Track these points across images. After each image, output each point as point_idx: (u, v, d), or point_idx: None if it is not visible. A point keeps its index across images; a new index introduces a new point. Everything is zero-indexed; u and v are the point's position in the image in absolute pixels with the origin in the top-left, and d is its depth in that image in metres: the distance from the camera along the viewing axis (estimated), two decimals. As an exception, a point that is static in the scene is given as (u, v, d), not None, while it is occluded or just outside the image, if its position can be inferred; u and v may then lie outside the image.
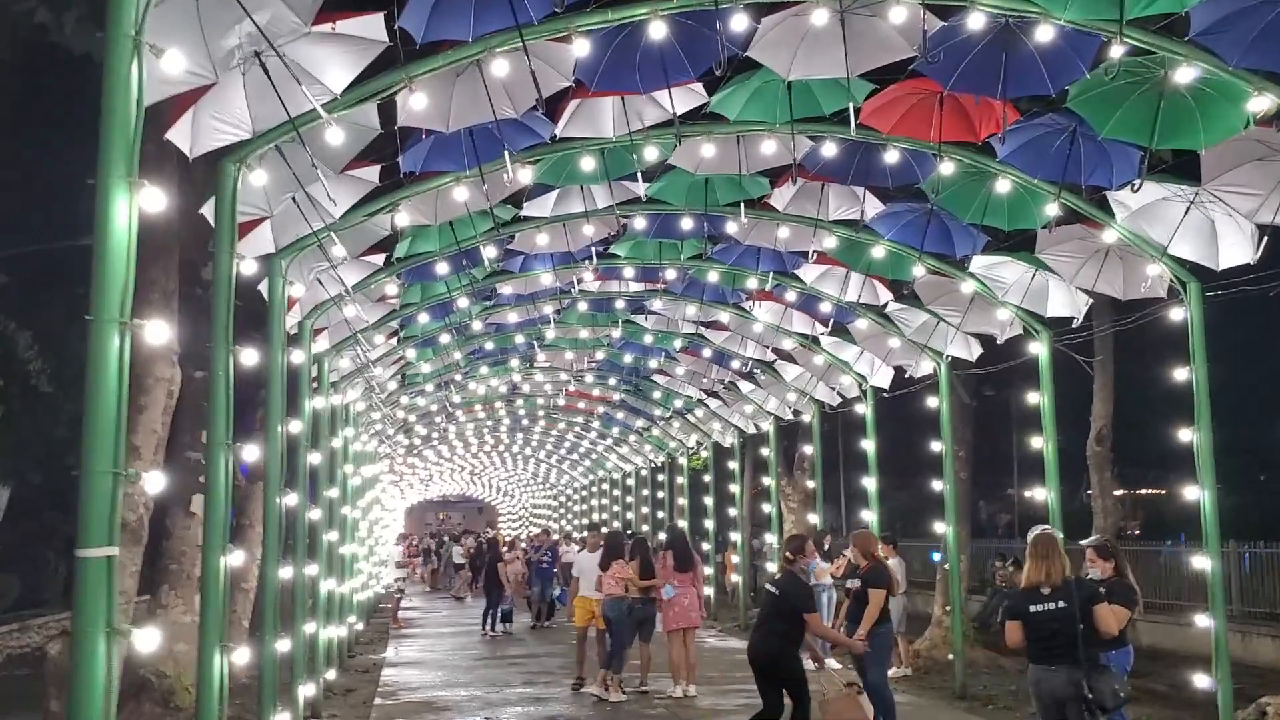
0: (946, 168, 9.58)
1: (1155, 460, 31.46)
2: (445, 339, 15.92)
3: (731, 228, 12.07)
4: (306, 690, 10.85)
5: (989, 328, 12.80)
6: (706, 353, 18.60)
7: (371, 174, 8.45)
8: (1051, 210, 9.82)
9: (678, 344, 18.71)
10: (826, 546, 16.15)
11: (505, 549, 25.17)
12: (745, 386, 19.93)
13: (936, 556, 20.43)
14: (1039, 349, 12.22)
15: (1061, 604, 7.09)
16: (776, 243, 12.37)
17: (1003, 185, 9.80)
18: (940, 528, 15.52)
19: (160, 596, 12.67)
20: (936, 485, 14.61)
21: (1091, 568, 8.95)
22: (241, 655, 6.72)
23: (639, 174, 9.56)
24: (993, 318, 12.59)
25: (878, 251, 12.01)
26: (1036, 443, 12.13)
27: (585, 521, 41.88)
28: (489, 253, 11.59)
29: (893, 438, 23.21)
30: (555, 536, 29.17)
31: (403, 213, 9.45)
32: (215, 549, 6.20)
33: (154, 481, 5.73)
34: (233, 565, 6.58)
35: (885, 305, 13.58)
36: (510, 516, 65.02)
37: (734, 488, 23.21)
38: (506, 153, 8.30)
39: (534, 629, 22.72)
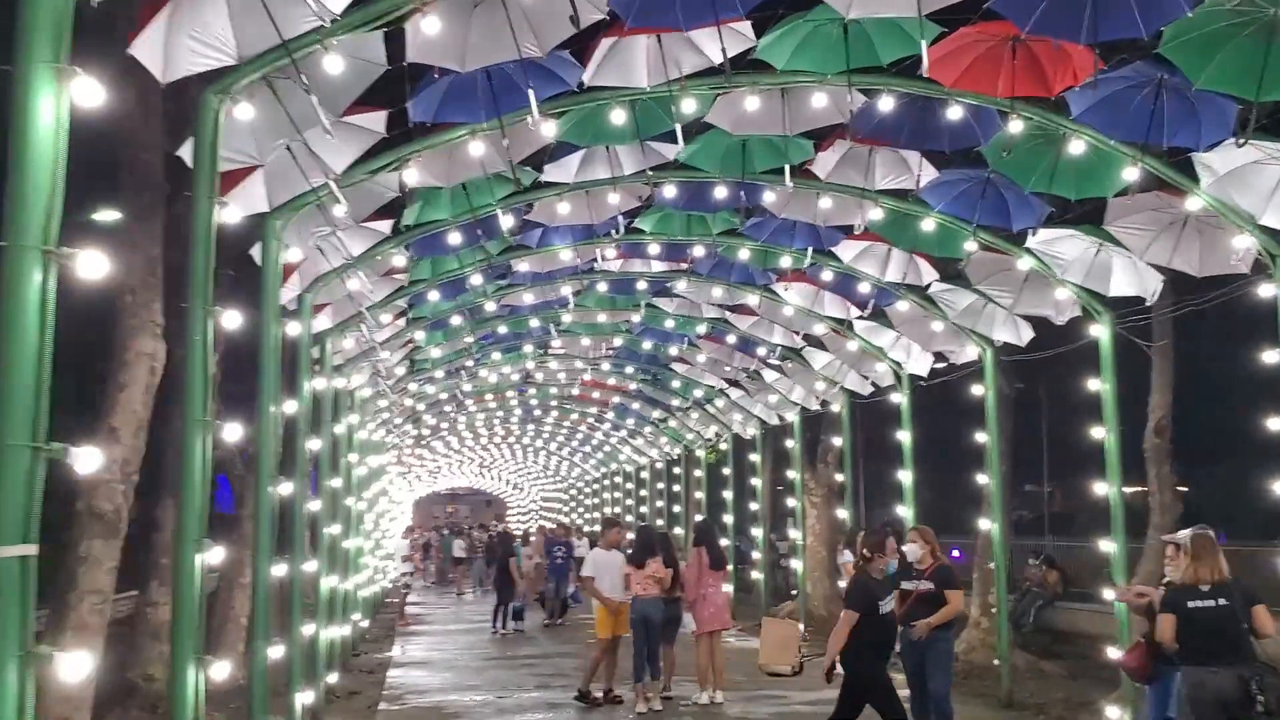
0: (1015, 126, 8.61)
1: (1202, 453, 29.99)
2: (457, 321, 15.00)
3: (769, 197, 11.14)
4: (305, 697, 9.97)
5: (1044, 309, 11.83)
6: (731, 339, 17.67)
7: (377, 122, 7.51)
8: (1130, 175, 8.88)
9: (701, 329, 17.78)
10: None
11: (522, 542, 24.27)
12: (770, 375, 18.99)
13: (956, 554, 19.53)
14: (1100, 332, 11.25)
15: (1223, 601, 6.83)
16: (815, 216, 11.42)
17: (1075, 147, 8.84)
18: (984, 523, 14.59)
19: (150, 593, 11.86)
20: (981, 479, 13.68)
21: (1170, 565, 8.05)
22: (221, 669, 5.80)
23: (677, 129, 8.56)
24: (1048, 298, 11.63)
25: (926, 225, 11.08)
26: (1097, 433, 11.15)
27: (596, 516, 41.09)
28: (506, 222, 10.66)
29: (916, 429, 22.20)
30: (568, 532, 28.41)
31: (412, 170, 8.52)
32: (189, 543, 5.30)
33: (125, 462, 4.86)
34: (218, 561, 5.75)
35: (929, 286, 12.62)
36: (519, 510, 64.16)
37: (755, 481, 22.26)
38: (530, 92, 7.33)
39: (547, 627, 21.84)
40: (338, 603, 14.51)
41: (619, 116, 8.58)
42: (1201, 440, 27.08)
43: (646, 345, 19.48)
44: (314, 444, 10.71)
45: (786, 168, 9.69)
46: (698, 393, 22.34)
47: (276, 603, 15.85)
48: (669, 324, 17.73)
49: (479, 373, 21.75)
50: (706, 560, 12.51)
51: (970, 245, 10.95)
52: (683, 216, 12.34)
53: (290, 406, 8.79)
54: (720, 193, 10.85)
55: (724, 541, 22.56)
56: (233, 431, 5.65)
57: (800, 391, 18.88)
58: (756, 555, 22.14)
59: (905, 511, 15.25)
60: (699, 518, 22.38)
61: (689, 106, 8.45)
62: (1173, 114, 8.20)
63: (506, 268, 13.43)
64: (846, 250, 12.55)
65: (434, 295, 13.00)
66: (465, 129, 8.15)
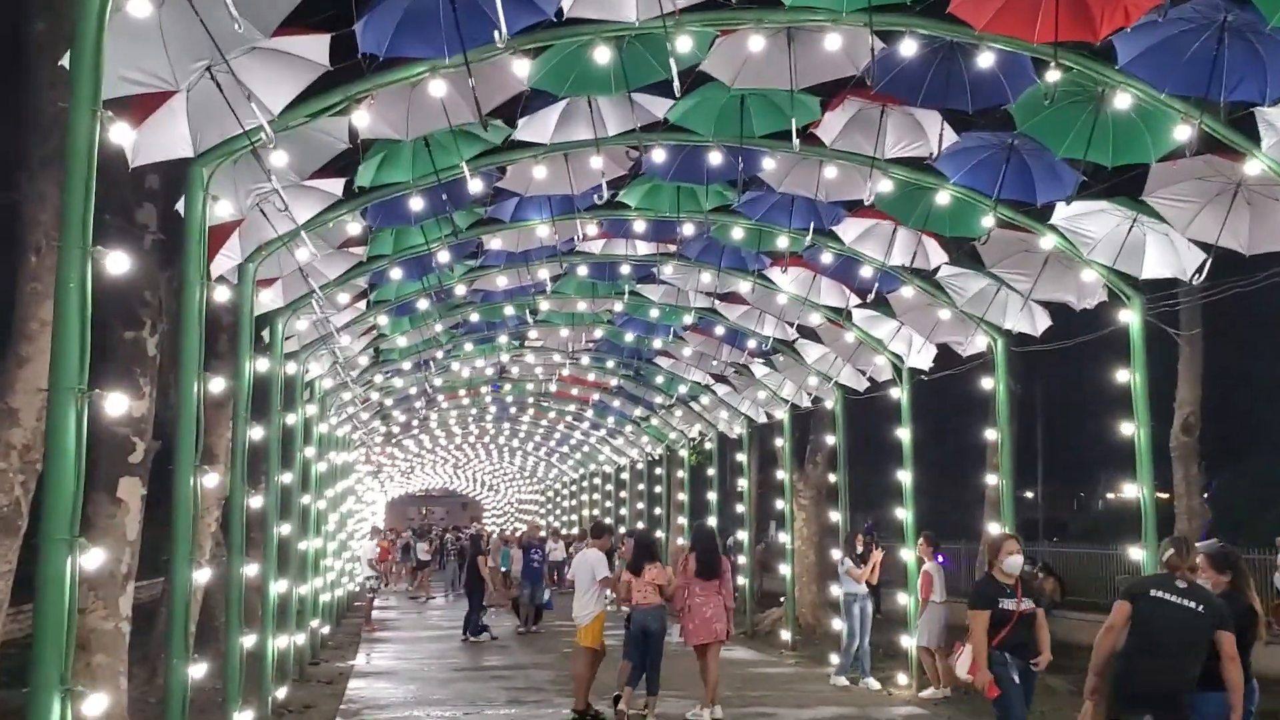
0: (1053, 77, 7.56)
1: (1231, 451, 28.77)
2: (423, 305, 13.85)
3: (768, 166, 10.07)
4: (244, 716, 8.82)
5: (1065, 294, 10.83)
6: (719, 330, 16.61)
7: (319, 50, 6.35)
8: (1181, 135, 7.87)
9: (687, 320, 16.70)
10: (859, 548, 14.16)
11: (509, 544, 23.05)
12: (760, 370, 17.94)
13: (941, 559, 18.55)
14: (1129, 318, 10.24)
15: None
16: (817, 189, 10.38)
17: (1120, 102, 7.82)
18: (993, 528, 13.56)
19: (80, 599, 10.66)
20: (990, 479, 12.65)
21: (1202, 579, 7.05)
22: (96, 702, 4.67)
23: (672, 66, 7.41)
24: (1071, 281, 10.64)
25: (941, 199, 10.06)
26: (1126, 430, 10.13)
27: (574, 519, 40.01)
28: (475, 187, 9.54)
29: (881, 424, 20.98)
30: (543, 533, 27.28)
31: (363, 114, 7.39)
32: (55, 543, 4.19)
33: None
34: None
35: (937, 269, 11.59)
36: (495, 512, 62.96)
37: (743, 482, 21.19)
38: (499, 2, 6.17)
39: (521, 634, 20.71)
40: (291, 609, 13.35)
41: (603, 56, 7.47)
42: (1230, 437, 25.90)
43: (629, 337, 18.40)
44: (256, 433, 9.55)
45: (794, 125, 8.60)
46: (682, 389, 21.26)
47: (221, 610, 14.71)
48: (654, 314, 16.65)
49: (450, 366, 20.61)
50: (693, 567, 11.44)
51: (989, 221, 9.92)
52: (671, 190, 11.25)
53: (217, 385, 7.61)
54: (715, 159, 9.76)
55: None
56: (117, 404, 4.50)
57: (791, 387, 17.84)
58: (742, 560, 21.08)
59: (905, 515, 14.22)
60: (681, 519, 21.39)
61: (684, 46, 7.35)
62: (1235, 62, 7.20)
63: (477, 245, 12.31)
64: (849, 229, 11.52)
65: (397, 274, 11.82)
66: (425, 65, 7.03)
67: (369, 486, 38.36)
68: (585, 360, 21.34)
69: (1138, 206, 9.11)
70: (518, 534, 27.77)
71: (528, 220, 11.48)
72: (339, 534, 21.43)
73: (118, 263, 4.45)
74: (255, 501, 9.92)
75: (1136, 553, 9.99)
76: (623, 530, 33.53)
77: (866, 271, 12.15)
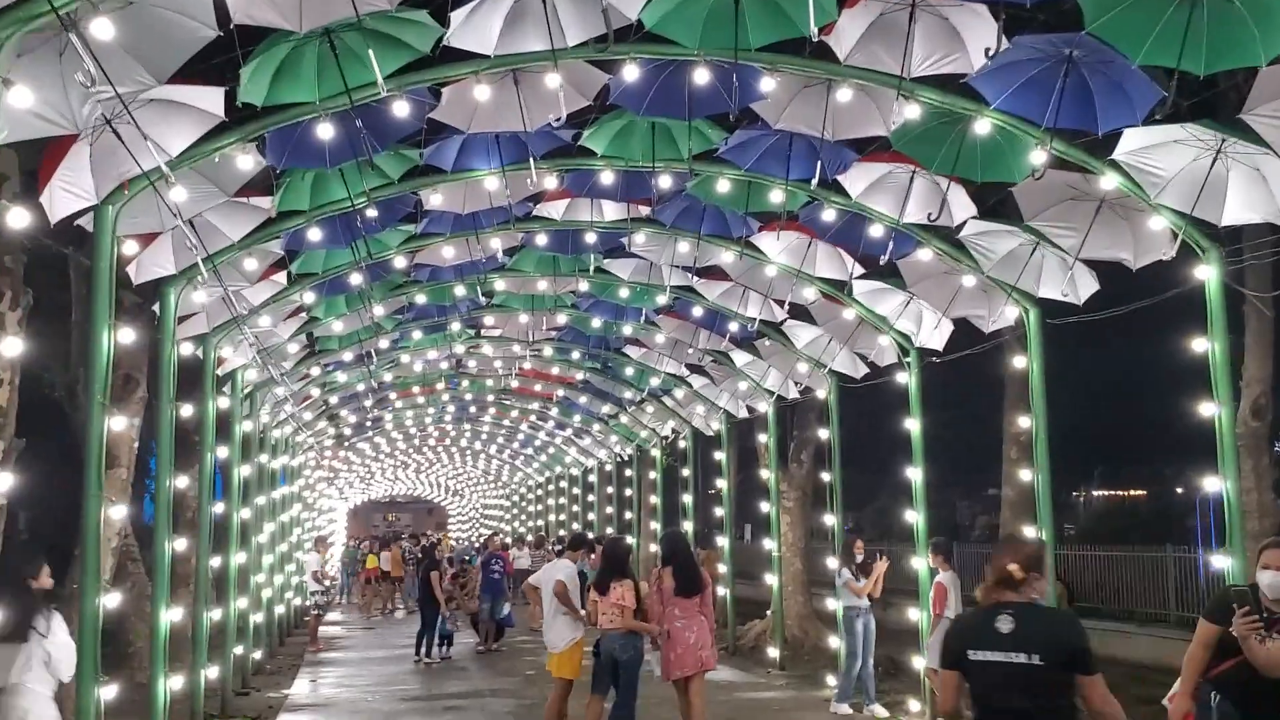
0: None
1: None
2: (356, 280, 11.85)
3: (766, 87, 8.16)
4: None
5: (1120, 250, 9.02)
6: (698, 312, 14.70)
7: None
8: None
9: (661, 301, 14.81)
10: (859, 556, 12.33)
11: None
12: (741, 358, 16.06)
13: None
14: (1206, 274, 8.42)
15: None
16: (826, 123, 8.51)
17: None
18: (1028, 530, 11.77)
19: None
20: (1024, 475, 10.84)
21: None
22: None
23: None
24: (1127, 235, 8.84)
25: (980, 128, 8.22)
26: (1206, 409, 8.30)
27: (540, 525, 38.07)
28: (401, 110, 7.57)
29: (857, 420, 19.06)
30: (505, 539, 25.35)
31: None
32: None
33: None
34: None
35: (962, 226, 9.76)
36: (461, 518, 60.81)
37: (721, 482, 19.29)
38: None
39: (480, 653, 18.74)
40: (200, 637, 11.31)
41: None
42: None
43: (595, 323, 16.48)
44: (115, 422, 7.54)
45: (811, 16, 6.70)
46: (654, 381, 19.34)
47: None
48: (623, 294, 14.74)
49: (399, 359, 18.60)
50: (671, 584, 9.53)
51: (1039, 157, 8.07)
52: (645, 131, 9.35)
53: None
54: (700, 79, 7.84)
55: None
56: None
57: (776, 377, 15.98)
58: (723, 568, 19.21)
59: (916, 517, 12.41)
60: (685, 527, 19.44)
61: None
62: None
63: (415, 204, 10.34)
64: (857, 178, 9.67)
65: (317, 235, 9.79)
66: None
67: (323, 494, 36.12)
68: (548, 351, 19.41)
69: (1228, 130, 7.33)
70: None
71: (473, 170, 9.53)
72: (278, 546, 19.33)
73: None
74: (116, 512, 7.89)
75: (1221, 560, 8.19)
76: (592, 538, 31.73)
77: (876, 231, 10.28)
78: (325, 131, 7.42)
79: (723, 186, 10.09)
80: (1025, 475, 11.58)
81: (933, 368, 12.42)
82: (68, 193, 6.46)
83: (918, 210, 9.79)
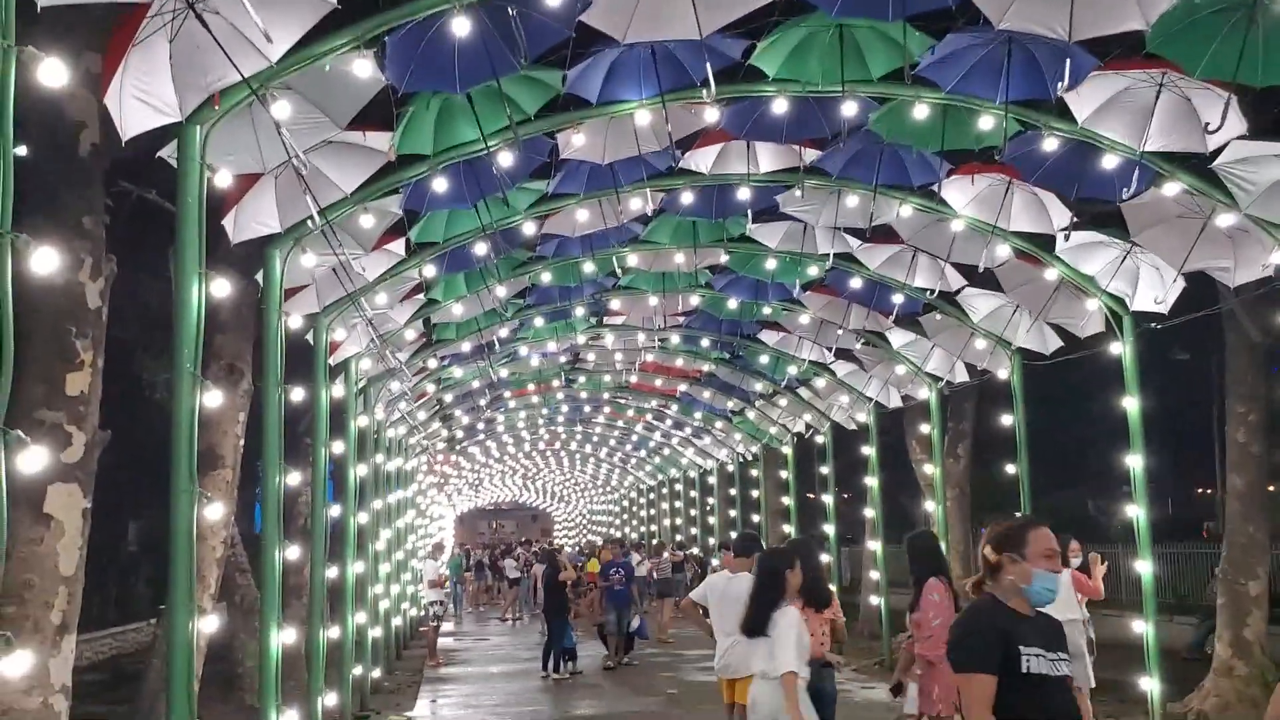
0: None
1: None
2: (480, 251, 10.41)
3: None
4: None
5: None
6: (856, 283, 12.92)
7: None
8: None
9: (812, 273, 13.11)
10: (1076, 559, 10.41)
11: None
12: (899, 338, 14.26)
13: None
14: None
15: None
16: (1070, 14, 6.75)
17: None
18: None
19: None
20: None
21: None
22: None
23: None
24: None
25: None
26: None
27: (654, 530, 36.58)
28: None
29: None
30: (628, 549, 23.89)
31: None
32: None
33: None
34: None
35: (1220, 151, 7.88)
36: (567, 524, 59.75)
37: (871, 480, 17.45)
38: None
39: (609, 669, 17.24)
40: (318, 659, 9.98)
41: None
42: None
43: (731, 304, 14.82)
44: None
45: None
46: (792, 370, 17.62)
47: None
48: (769, 265, 13.07)
49: (517, 351, 17.24)
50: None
51: None
52: (827, 46, 7.70)
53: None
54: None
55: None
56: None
57: (941, 357, 14.14)
58: (875, 576, 17.41)
59: (1137, 512, 10.50)
60: (787, 527, 17.70)
61: None
62: None
63: (550, 151, 8.82)
64: (1089, 95, 7.87)
65: (440, 185, 8.29)
66: None
67: (433, 500, 35.11)
68: (674, 340, 17.86)
69: None
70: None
71: (623, 101, 7.98)
72: (393, 554, 18.10)
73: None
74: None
75: None
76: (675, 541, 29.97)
77: (1108, 162, 8.43)
78: (461, 27, 5.92)
79: (920, 112, 8.33)
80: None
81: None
82: (144, 103, 5.20)
83: (1160, 135, 7.97)
